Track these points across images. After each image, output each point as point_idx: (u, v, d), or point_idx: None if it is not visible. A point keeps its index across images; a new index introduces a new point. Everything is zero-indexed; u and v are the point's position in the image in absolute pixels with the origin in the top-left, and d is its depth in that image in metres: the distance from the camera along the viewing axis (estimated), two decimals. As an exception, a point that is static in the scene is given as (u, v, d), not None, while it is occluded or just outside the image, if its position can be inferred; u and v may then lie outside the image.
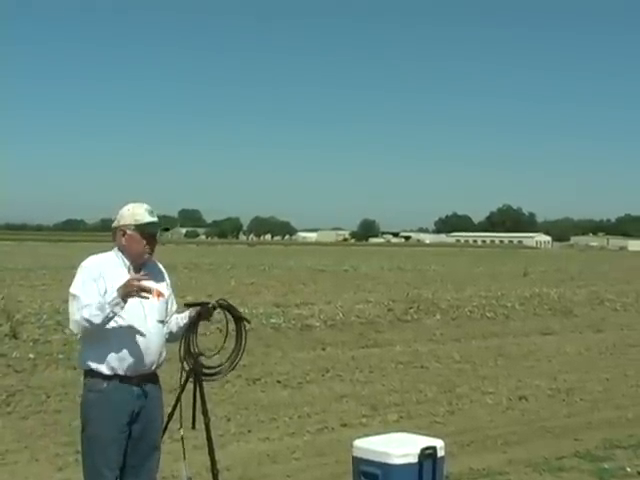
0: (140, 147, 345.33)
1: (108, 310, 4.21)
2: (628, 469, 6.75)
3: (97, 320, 4.22)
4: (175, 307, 4.68)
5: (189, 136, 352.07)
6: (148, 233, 4.46)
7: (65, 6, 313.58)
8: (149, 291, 4.33)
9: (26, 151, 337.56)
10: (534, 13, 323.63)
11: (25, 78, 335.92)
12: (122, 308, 4.25)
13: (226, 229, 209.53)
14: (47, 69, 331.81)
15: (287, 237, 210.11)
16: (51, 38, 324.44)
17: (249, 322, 4.92)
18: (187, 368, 4.67)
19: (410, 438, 5.01)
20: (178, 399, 4.70)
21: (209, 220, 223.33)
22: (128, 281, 4.27)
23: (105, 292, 4.31)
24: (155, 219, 4.52)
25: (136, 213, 4.46)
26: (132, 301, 4.33)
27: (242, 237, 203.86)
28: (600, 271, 43.85)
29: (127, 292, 4.23)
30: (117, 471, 4.39)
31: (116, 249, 4.51)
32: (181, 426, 4.67)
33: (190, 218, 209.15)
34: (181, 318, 4.65)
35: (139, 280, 4.28)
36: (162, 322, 4.52)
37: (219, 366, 4.78)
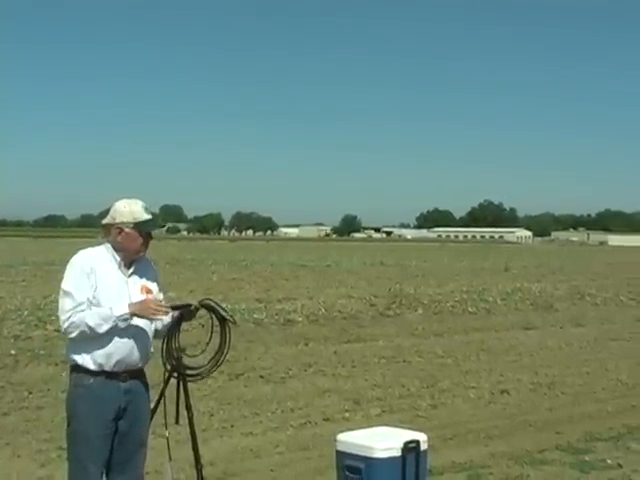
0: (121, 143, 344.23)
1: (114, 323, 4.23)
2: (608, 461, 6.81)
3: (101, 330, 4.23)
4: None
5: (170, 132, 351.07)
6: (146, 231, 4.44)
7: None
8: (167, 313, 4.39)
9: (5, 147, 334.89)
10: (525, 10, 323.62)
11: (2, 75, 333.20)
12: (128, 324, 4.28)
13: (207, 225, 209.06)
14: (28, 65, 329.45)
15: (269, 233, 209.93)
16: (37, 35, 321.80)
17: (235, 323, 4.88)
18: (169, 368, 4.65)
19: (393, 432, 5.02)
20: (159, 399, 4.68)
21: (190, 216, 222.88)
22: (145, 302, 4.31)
23: (95, 288, 4.29)
24: (151, 216, 4.49)
25: (134, 211, 4.41)
26: (121, 297, 4.33)
27: (224, 233, 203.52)
28: (581, 266, 44.15)
29: (143, 313, 4.28)
30: (102, 467, 4.37)
31: (107, 244, 4.46)
32: (166, 427, 4.66)
33: (171, 214, 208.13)
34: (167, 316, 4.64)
35: (157, 304, 4.33)
36: (150, 319, 4.51)
37: (201, 367, 4.76)
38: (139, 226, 4.40)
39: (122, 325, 4.26)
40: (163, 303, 4.44)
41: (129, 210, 4.41)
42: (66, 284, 4.30)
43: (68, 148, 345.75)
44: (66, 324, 4.26)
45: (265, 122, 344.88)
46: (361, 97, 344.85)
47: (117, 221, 4.41)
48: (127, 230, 4.39)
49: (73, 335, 4.27)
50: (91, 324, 4.21)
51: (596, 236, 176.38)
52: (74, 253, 4.44)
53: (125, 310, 4.25)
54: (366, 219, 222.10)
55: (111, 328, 4.23)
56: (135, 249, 4.43)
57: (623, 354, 12.93)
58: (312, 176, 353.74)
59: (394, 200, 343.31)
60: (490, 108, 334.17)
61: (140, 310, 4.29)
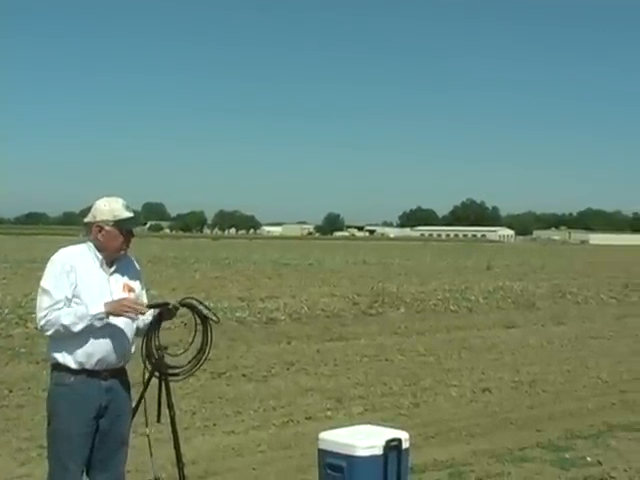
0: (104, 140, 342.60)
1: (89, 322, 4.20)
2: (588, 458, 6.85)
3: (76, 328, 4.20)
4: (145, 303, 4.64)
5: (153, 129, 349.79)
6: (126, 229, 4.42)
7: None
8: (143, 313, 4.36)
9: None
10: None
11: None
12: (104, 323, 4.25)
13: (190, 223, 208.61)
14: (11, 60, 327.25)
15: (252, 231, 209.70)
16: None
17: (217, 321, 4.86)
18: (149, 368, 4.64)
19: (375, 430, 5.03)
20: (141, 398, 4.67)
21: (173, 214, 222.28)
22: (121, 301, 4.28)
23: (75, 286, 4.27)
24: (132, 214, 4.48)
25: (114, 209, 4.39)
26: (103, 295, 4.31)
27: (206, 231, 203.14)
28: (562, 265, 44.39)
29: (118, 312, 4.25)
30: (83, 465, 4.36)
31: (89, 243, 4.44)
32: (147, 425, 4.64)
33: (154, 212, 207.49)
34: (148, 314, 4.62)
35: (133, 303, 4.30)
36: (132, 318, 4.49)
37: (183, 366, 4.75)
38: (119, 224, 4.38)
39: (98, 324, 4.24)
40: (139, 302, 4.42)
41: (109, 208, 4.40)
42: (45, 282, 4.29)
43: (51, 145, 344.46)
44: (42, 322, 4.25)
45: (248, 121, 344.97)
46: (346, 95, 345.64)
47: (97, 219, 4.39)
48: (107, 228, 4.37)
49: (49, 333, 4.26)
50: (66, 323, 4.19)
51: (577, 235, 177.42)
52: (55, 251, 4.42)
53: (101, 309, 4.23)
54: (349, 218, 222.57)
55: (87, 327, 4.21)
56: (116, 247, 4.41)
57: (603, 352, 13.02)
58: (295, 174, 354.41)
59: (377, 199, 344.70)
60: (473, 107, 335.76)
61: (115, 309, 4.26)
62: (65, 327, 4.19)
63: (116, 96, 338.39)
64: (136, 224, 4.60)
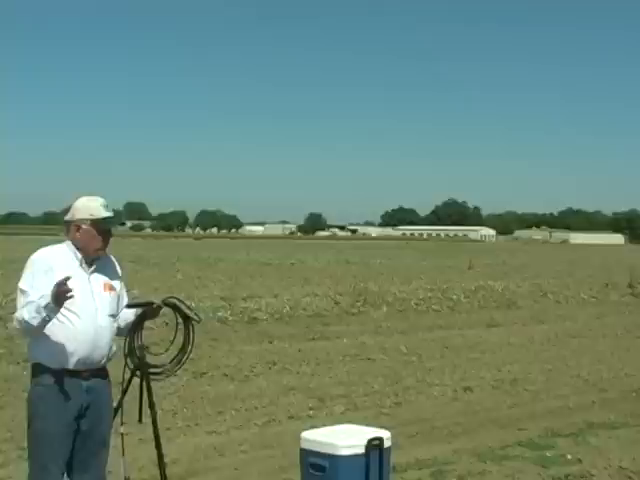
0: (85, 139, 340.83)
1: (45, 314, 4.11)
2: (569, 456, 6.90)
3: (34, 322, 4.13)
4: (126, 302, 4.62)
5: (135, 129, 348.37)
6: (104, 228, 4.40)
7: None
8: (69, 290, 4.08)
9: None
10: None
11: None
12: (57, 312, 4.14)
13: (172, 222, 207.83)
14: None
15: (234, 230, 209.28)
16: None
17: (198, 321, 4.86)
18: (131, 366, 4.62)
19: (357, 429, 5.05)
20: (122, 398, 4.65)
21: (155, 213, 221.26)
22: (54, 286, 4.07)
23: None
24: (110, 214, 4.45)
25: (92, 207, 4.37)
26: (83, 295, 4.28)
27: (188, 230, 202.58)
28: (543, 264, 44.62)
29: (56, 298, 4.06)
30: (63, 466, 4.33)
31: (68, 242, 4.42)
32: (122, 423, 4.63)
33: (136, 211, 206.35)
34: (130, 314, 4.61)
35: (62, 284, 4.05)
36: (113, 316, 4.46)
37: (164, 366, 4.74)
38: (96, 223, 4.36)
39: (53, 315, 4.12)
40: (66, 281, 4.11)
41: (86, 207, 4.38)
42: (22, 283, 4.27)
43: (31, 144, 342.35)
44: (14, 322, 4.25)
45: (230, 121, 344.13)
46: (326, 96, 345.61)
47: (76, 218, 4.38)
48: (85, 227, 4.35)
49: (21, 333, 4.27)
50: (26, 317, 4.14)
51: (558, 234, 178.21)
52: (35, 251, 4.40)
53: (47, 299, 4.09)
54: (331, 217, 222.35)
55: (44, 319, 4.10)
56: (93, 246, 4.39)
57: (584, 351, 13.11)
58: (277, 174, 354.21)
59: (359, 198, 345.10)
60: (455, 108, 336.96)
61: (54, 294, 4.06)
62: (25, 322, 4.14)
63: (97, 96, 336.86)
64: (114, 224, 4.56)
